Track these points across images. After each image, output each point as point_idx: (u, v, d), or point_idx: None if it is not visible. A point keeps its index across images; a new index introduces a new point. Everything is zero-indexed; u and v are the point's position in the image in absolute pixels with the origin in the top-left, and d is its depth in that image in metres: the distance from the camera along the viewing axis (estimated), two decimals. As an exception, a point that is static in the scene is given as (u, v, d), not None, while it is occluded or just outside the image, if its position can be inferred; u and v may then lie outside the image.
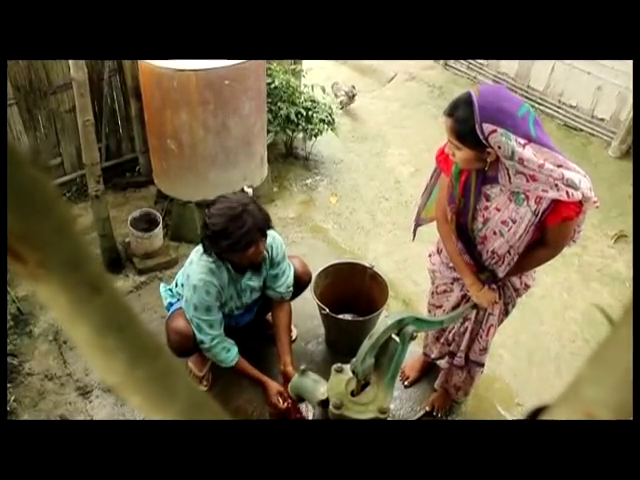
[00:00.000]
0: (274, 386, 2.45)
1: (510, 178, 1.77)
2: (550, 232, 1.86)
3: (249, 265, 2.34)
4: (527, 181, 1.74)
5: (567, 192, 1.71)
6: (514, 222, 1.85)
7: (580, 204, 1.77)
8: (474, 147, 1.72)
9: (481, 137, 1.67)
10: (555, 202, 1.75)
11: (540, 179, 1.71)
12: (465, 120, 1.68)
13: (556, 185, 1.71)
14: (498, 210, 1.87)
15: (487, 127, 1.65)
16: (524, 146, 1.67)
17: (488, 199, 1.89)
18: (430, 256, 2.35)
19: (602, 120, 4.78)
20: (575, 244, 2.04)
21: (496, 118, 1.65)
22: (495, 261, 2.00)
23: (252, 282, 2.45)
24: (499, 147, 1.68)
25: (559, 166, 1.72)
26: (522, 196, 1.80)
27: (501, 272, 2.02)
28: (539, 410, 0.43)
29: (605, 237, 3.87)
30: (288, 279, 2.52)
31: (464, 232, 2.01)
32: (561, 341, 3.17)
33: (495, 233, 1.92)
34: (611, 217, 3.93)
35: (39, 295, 0.28)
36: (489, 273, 2.07)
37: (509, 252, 1.94)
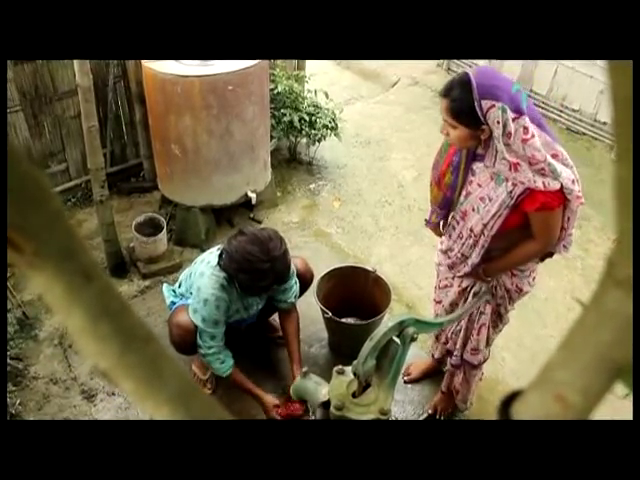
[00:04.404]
0: (269, 400, 2.49)
1: (495, 162, 1.82)
2: (533, 221, 1.89)
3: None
4: (509, 169, 1.79)
5: (543, 182, 1.75)
6: (490, 200, 1.89)
7: (561, 194, 1.79)
8: (469, 125, 1.77)
9: (479, 114, 1.72)
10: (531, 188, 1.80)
11: (521, 170, 1.76)
12: (461, 99, 1.74)
13: (540, 170, 1.75)
14: (479, 186, 1.93)
15: (486, 103, 1.71)
16: (514, 120, 1.72)
17: (473, 174, 1.95)
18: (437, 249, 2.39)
19: (605, 124, 4.78)
20: (567, 250, 2.02)
21: (494, 94, 1.71)
22: (472, 241, 2.03)
23: (259, 298, 2.53)
24: (498, 122, 1.72)
25: (547, 146, 1.76)
26: (502, 177, 1.85)
27: (475, 255, 2.04)
28: (513, 395, 0.44)
29: (608, 240, 3.86)
30: (294, 290, 2.58)
31: (450, 206, 2.10)
32: (564, 344, 3.16)
33: (473, 209, 1.97)
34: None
35: (35, 283, 0.30)
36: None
37: (483, 233, 1.97)
